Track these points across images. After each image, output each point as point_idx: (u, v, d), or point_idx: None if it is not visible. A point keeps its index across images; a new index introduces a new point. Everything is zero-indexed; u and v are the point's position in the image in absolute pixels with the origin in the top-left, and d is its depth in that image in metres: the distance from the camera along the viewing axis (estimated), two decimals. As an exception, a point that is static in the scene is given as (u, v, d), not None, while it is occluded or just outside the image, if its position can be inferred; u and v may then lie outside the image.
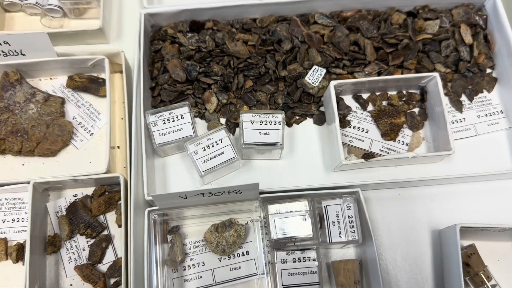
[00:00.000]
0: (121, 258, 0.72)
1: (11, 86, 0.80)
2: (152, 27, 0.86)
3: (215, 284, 0.72)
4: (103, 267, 0.74)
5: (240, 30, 0.85)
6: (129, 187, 0.72)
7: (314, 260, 0.69)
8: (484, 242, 0.75)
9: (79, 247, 0.75)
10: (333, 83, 0.77)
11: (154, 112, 0.76)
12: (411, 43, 0.83)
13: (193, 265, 0.73)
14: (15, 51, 0.79)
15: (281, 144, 0.75)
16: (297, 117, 0.83)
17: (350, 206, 0.71)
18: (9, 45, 0.77)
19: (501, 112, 0.84)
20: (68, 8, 0.87)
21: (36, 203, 0.73)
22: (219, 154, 0.74)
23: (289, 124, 0.83)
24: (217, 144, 0.74)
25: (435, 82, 0.78)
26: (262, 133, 0.75)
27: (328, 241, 0.70)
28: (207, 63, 0.82)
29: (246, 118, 0.76)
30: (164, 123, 0.76)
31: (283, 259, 0.69)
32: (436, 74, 0.78)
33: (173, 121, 0.76)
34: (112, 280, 0.73)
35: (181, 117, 0.76)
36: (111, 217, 0.77)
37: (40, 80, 0.85)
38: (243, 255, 0.74)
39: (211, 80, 0.81)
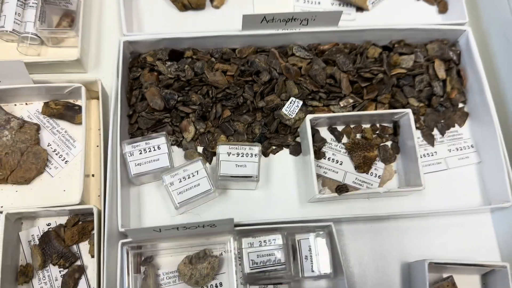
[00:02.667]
0: (93, 289, 0.72)
1: (-15, 111, 0.79)
2: (131, 54, 0.85)
3: (188, 316, 0.73)
4: (75, 298, 0.74)
5: (219, 60, 0.85)
6: (103, 218, 0.72)
7: (286, 294, 0.70)
8: (455, 275, 0.78)
9: (51, 277, 0.74)
10: (309, 117, 0.78)
11: (131, 142, 0.76)
12: (386, 77, 0.85)
13: (166, 296, 0.74)
14: (-10, 77, 0.78)
15: (256, 177, 0.76)
16: (274, 148, 0.84)
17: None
18: (-16, 71, 0.77)
19: (472, 146, 0.87)
20: (46, 37, 0.85)
21: (8, 233, 0.72)
22: (195, 186, 0.75)
23: (265, 154, 0.84)
24: (193, 175, 0.75)
25: (408, 117, 0.80)
26: (239, 165, 0.76)
27: (300, 276, 0.71)
28: (186, 92, 0.83)
29: (222, 150, 0.76)
30: (140, 153, 0.76)
31: (256, 294, 0.70)
32: (408, 110, 0.80)
33: (149, 151, 0.76)
34: (84, 311, 0.73)
35: (158, 147, 0.76)
36: (84, 247, 0.76)
37: (15, 105, 0.84)
38: (216, 286, 0.74)
39: (189, 109, 0.82)
